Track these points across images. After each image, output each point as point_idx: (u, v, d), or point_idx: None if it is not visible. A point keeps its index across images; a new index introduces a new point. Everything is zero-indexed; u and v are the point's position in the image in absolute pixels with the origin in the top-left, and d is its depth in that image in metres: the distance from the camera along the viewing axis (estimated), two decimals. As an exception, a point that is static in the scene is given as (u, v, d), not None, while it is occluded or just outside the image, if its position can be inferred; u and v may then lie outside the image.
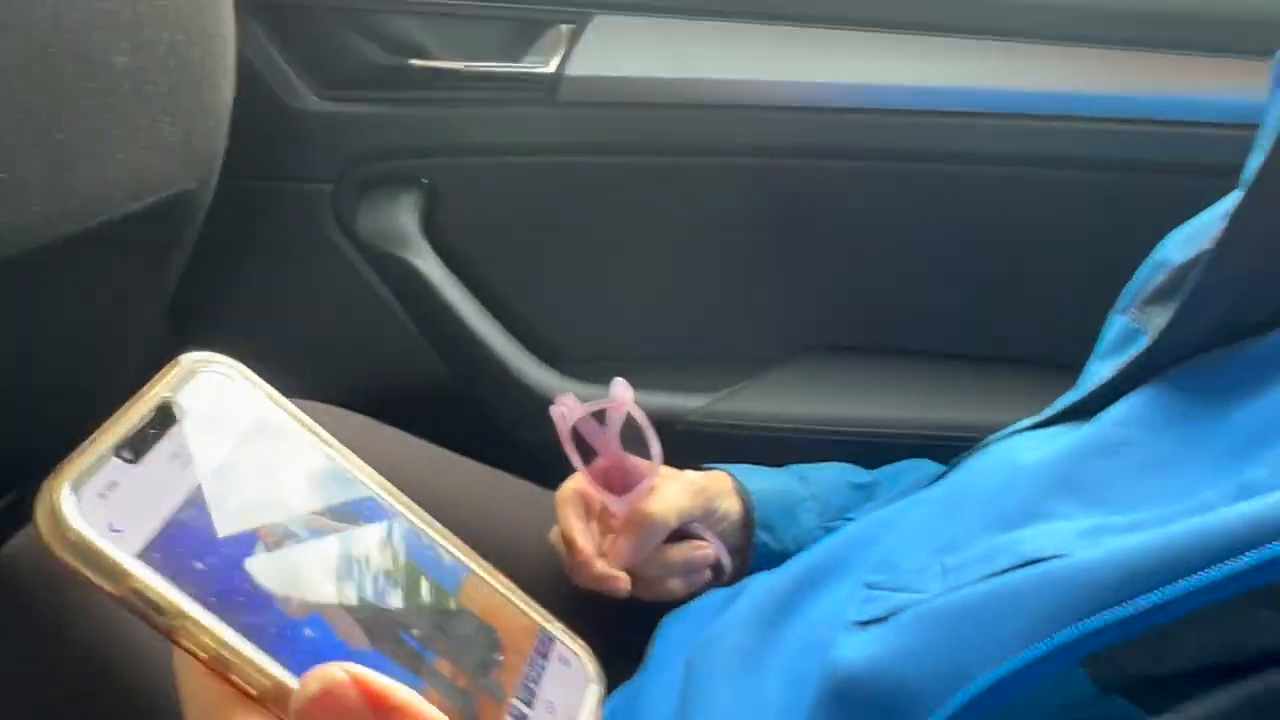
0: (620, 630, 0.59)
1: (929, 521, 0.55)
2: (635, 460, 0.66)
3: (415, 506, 0.34)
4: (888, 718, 0.43)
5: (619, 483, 0.67)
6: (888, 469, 0.75)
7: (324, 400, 0.77)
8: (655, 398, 0.96)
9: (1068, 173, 0.96)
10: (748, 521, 0.70)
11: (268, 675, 0.25)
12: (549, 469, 0.71)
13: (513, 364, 1.00)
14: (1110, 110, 0.94)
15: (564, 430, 0.66)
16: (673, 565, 0.69)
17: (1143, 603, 0.37)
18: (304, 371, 1.01)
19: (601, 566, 0.65)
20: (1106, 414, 0.54)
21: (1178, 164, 0.92)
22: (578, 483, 0.68)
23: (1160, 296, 0.56)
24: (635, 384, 0.86)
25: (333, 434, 0.78)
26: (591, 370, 1.02)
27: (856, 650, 0.47)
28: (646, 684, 0.62)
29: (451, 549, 0.34)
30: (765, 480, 0.72)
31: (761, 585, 0.61)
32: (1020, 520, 0.48)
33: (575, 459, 0.66)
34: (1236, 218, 0.51)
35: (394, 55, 0.97)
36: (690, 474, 0.71)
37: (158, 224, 0.76)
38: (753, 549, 0.70)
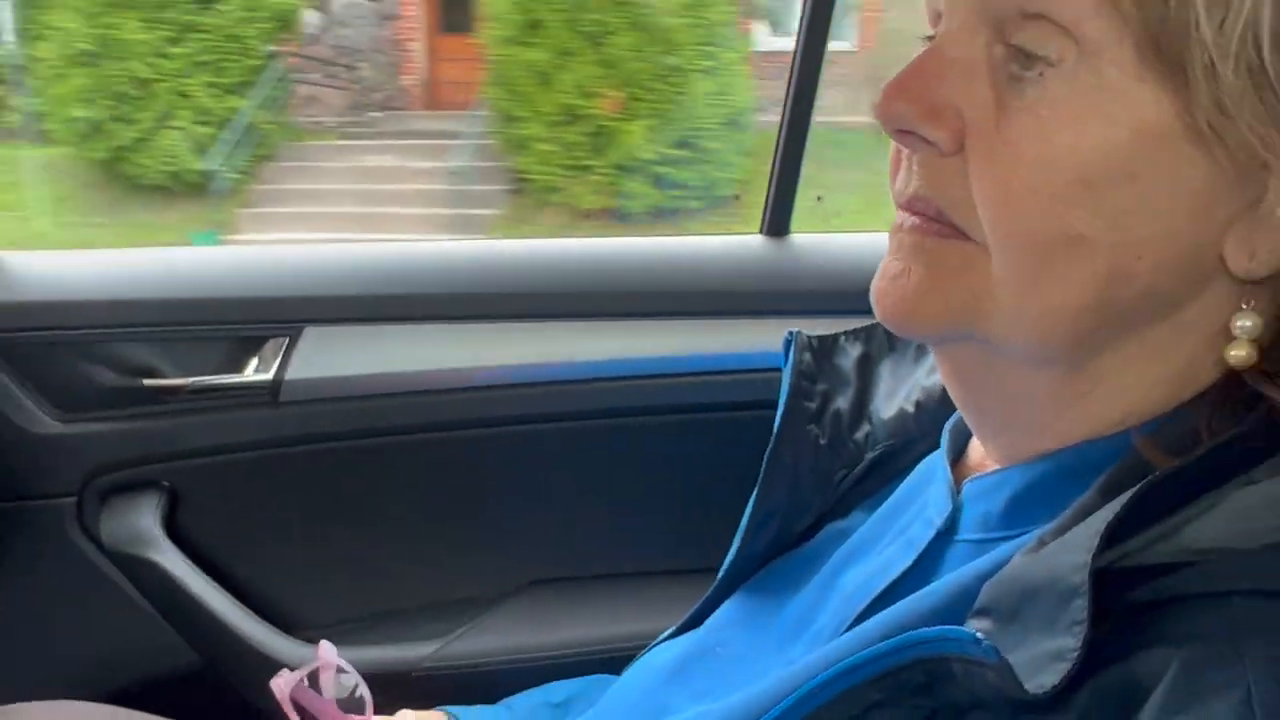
0: None
1: None
2: (347, 716, 0.68)
3: None
4: None
5: None
6: (578, 682, 0.77)
7: (84, 698, 0.80)
8: (389, 650, 1.01)
9: (621, 422, 1.09)
10: None
11: None
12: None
13: (258, 640, 0.99)
14: (651, 371, 1.08)
15: (285, 702, 0.67)
16: None
17: None
18: (61, 674, 1.04)
19: None
20: (710, 620, 0.59)
21: (736, 402, 1.07)
22: None
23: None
24: (371, 639, 0.95)
25: None
26: (333, 633, 1.02)
27: None
28: None
29: None
30: (477, 712, 0.75)
31: None
32: (652, 719, 0.54)
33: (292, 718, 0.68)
34: (769, 460, 0.58)
35: (125, 376, 1.00)
36: (406, 715, 0.73)
37: None
38: None
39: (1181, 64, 0.36)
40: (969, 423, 0.50)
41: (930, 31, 0.44)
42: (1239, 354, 0.40)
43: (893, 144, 0.45)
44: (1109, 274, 0.40)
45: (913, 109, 0.40)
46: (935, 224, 0.42)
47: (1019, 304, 0.41)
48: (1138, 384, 0.43)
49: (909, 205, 0.43)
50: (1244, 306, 0.40)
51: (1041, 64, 0.38)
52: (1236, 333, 0.40)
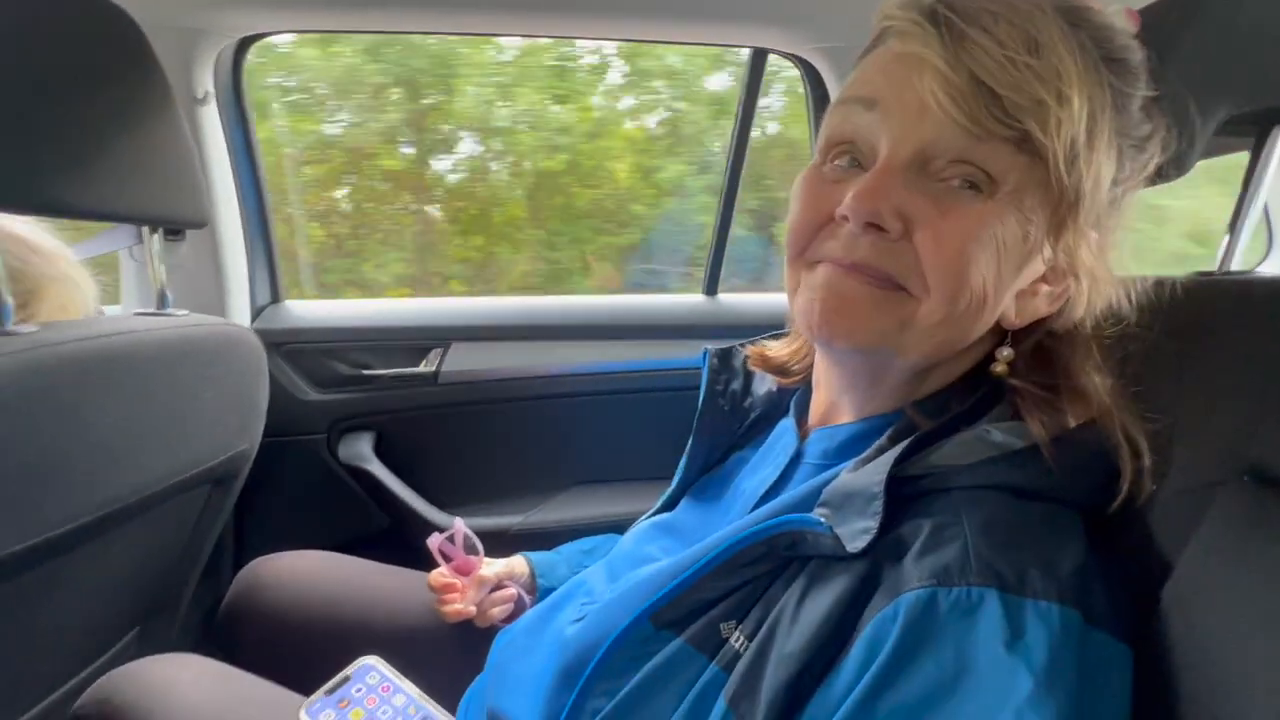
0: (476, 647, 0.72)
1: (608, 567, 0.65)
2: (470, 557, 0.81)
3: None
4: (578, 662, 0.51)
5: (462, 570, 0.80)
6: (599, 539, 0.85)
7: (328, 549, 0.91)
8: (495, 519, 1.25)
9: (623, 395, 1.31)
10: (533, 575, 0.83)
11: None
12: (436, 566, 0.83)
13: (422, 511, 1.24)
14: (640, 368, 1.32)
15: (434, 551, 0.79)
16: (495, 600, 0.80)
17: (670, 585, 0.48)
18: (315, 535, 1.15)
19: (459, 604, 0.78)
20: (678, 507, 0.66)
21: (675, 386, 1.30)
22: (441, 572, 0.80)
23: None
24: (485, 513, 1.18)
25: (327, 567, 0.87)
26: (465, 510, 1.22)
27: (570, 634, 0.55)
28: (483, 675, 0.68)
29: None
30: (542, 555, 0.85)
31: (533, 610, 0.69)
32: (638, 563, 0.60)
33: (441, 563, 0.80)
34: (698, 418, 0.66)
35: (354, 368, 1.27)
36: (501, 559, 0.84)
37: (225, 469, 0.87)
38: (538, 589, 0.82)
39: (1074, 210, 0.41)
40: (836, 394, 0.55)
41: (839, 162, 0.47)
42: (999, 368, 0.48)
43: (796, 229, 0.48)
44: (985, 323, 0.45)
45: (877, 208, 0.43)
46: (880, 280, 0.45)
47: (929, 336, 0.45)
48: (933, 381, 0.50)
49: (854, 268, 0.45)
50: (1006, 342, 0.48)
51: (973, 188, 0.43)
52: (999, 357, 0.48)
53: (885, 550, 0.42)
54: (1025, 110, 0.40)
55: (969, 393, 0.49)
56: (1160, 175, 0.51)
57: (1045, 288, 0.47)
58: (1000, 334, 0.49)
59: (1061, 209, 0.42)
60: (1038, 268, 0.45)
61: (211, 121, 1.19)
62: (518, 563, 0.83)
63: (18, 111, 0.59)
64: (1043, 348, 0.48)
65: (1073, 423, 0.45)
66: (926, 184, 0.44)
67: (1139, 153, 0.46)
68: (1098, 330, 0.48)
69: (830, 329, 0.46)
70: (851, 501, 0.44)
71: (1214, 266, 0.62)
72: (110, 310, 1.02)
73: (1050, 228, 0.43)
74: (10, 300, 0.62)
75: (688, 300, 1.44)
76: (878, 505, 0.42)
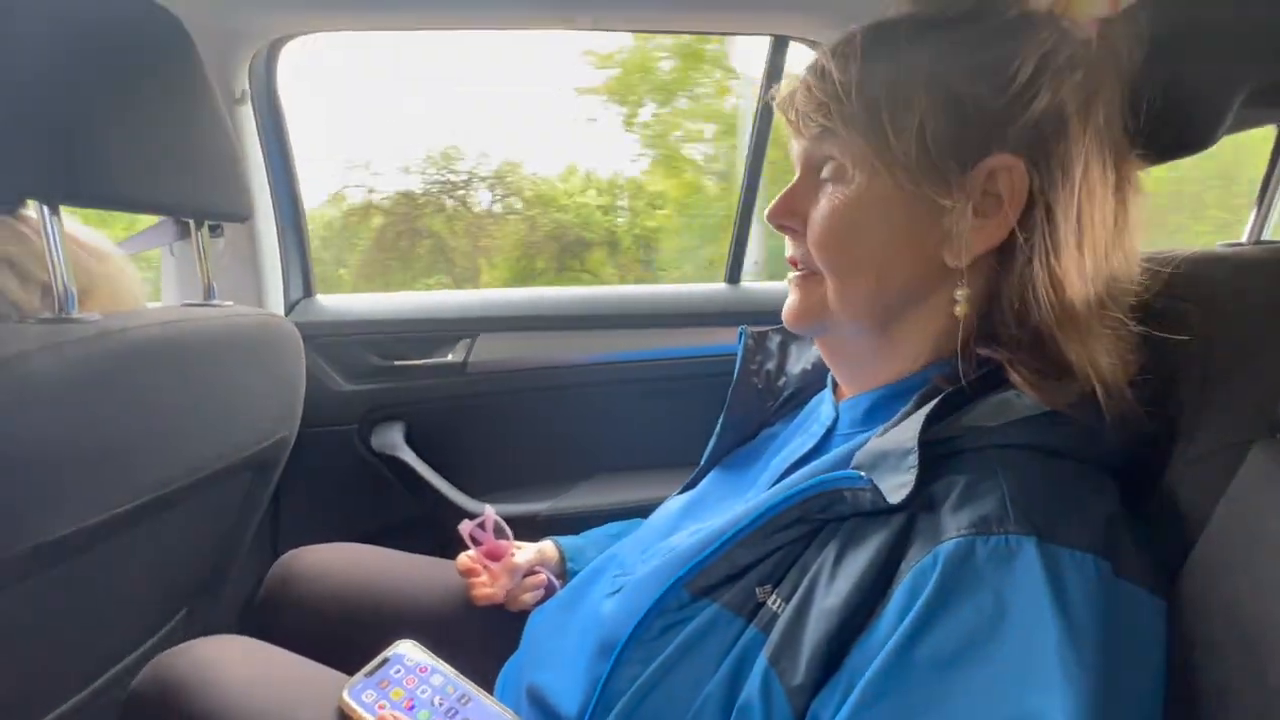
0: (508, 632, 0.73)
1: (639, 541, 0.66)
2: (501, 542, 0.81)
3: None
4: (614, 634, 0.52)
5: (493, 555, 0.81)
6: (626, 524, 0.86)
7: (361, 536, 0.93)
8: (524, 505, 1.26)
9: (648, 383, 1.33)
10: (563, 559, 0.83)
11: None
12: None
13: (453, 499, 1.25)
14: (664, 356, 1.33)
15: (465, 537, 0.80)
16: (525, 586, 0.80)
17: (704, 553, 0.50)
18: (348, 522, 1.26)
19: (490, 589, 0.78)
20: (703, 482, 0.68)
21: (700, 374, 1.31)
22: (469, 556, 0.81)
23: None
24: (513, 499, 1.18)
25: (358, 559, 0.84)
26: (494, 497, 1.24)
27: (606, 608, 0.56)
28: (519, 653, 0.69)
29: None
30: (570, 540, 0.85)
31: (566, 587, 0.70)
32: (669, 534, 0.62)
33: (472, 548, 0.80)
34: (731, 397, 0.68)
35: (385, 359, 1.29)
36: (531, 544, 0.84)
37: (267, 455, 0.88)
38: (567, 573, 0.82)
39: (890, 166, 0.47)
40: (835, 374, 0.59)
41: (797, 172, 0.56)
42: (960, 309, 0.49)
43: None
44: (878, 277, 0.49)
45: (777, 213, 0.52)
46: (804, 270, 0.52)
47: (838, 300, 0.51)
48: (921, 342, 0.51)
49: (791, 262, 0.54)
50: (960, 284, 0.49)
51: (833, 179, 0.50)
52: (958, 299, 0.49)
53: (920, 506, 0.43)
54: (819, 109, 0.49)
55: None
56: (1181, 148, 0.51)
57: (977, 220, 0.47)
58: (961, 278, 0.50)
59: (896, 159, 0.47)
60: (941, 207, 0.47)
61: (248, 121, 1.22)
62: (547, 547, 0.83)
63: (80, 109, 0.61)
64: (1035, 330, 0.48)
65: (1068, 399, 0.46)
66: (818, 184, 0.51)
67: (1005, 65, 0.47)
68: (1103, 308, 0.48)
69: (785, 317, 0.55)
70: (885, 459, 0.45)
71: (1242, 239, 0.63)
72: (151, 306, 1.03)
73: (914, 175, 0.47)
74: (74, 289, 0.64)
75: (711, 289, 1.44)
76: (913, 459, 0.43)
